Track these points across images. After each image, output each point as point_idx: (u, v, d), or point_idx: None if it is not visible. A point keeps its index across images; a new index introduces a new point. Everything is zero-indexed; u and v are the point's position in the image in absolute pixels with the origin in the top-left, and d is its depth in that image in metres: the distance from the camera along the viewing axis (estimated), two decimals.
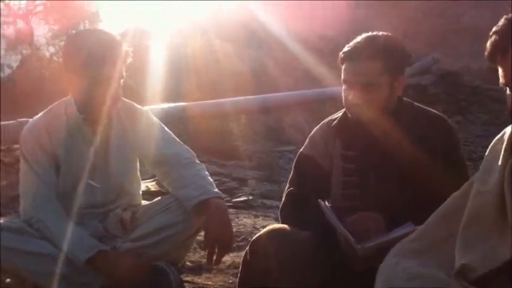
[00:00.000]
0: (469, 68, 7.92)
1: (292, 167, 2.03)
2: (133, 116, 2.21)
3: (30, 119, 2.21)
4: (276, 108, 7.15)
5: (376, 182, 1.82)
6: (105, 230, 2.14)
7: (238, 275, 1.90)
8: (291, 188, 1.96)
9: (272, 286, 1.74)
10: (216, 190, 2.13)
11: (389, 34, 1.86)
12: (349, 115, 1.88)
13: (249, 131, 6.25)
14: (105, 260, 1.98)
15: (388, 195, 1.78)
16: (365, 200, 1.81)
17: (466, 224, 1.35)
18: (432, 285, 1.27)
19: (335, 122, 1.95)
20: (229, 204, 3.67)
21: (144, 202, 2.34)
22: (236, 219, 3.27)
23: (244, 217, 3.35)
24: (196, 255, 2.60)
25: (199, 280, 2.37)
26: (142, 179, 3.69)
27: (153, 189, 3.59)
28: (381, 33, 1.85)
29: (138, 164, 2.29)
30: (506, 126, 1.39)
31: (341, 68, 1.84)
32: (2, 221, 2.10)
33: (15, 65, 8.44)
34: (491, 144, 1.40)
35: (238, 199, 3.82)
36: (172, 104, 6.17)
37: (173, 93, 6.81)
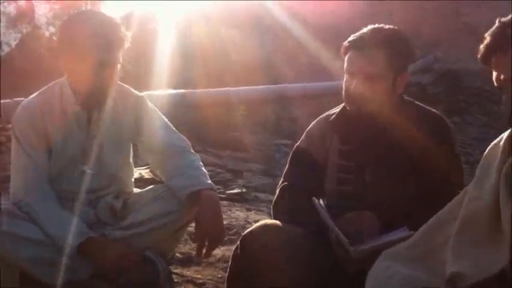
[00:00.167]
0: (470, 68, 7.89)
1: (288, 161, 2.00)
2: (129, 101, 2.18)
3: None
4: (278, 99, 7.12)
5: (371, 180, 1.81)
6: (95, 217, 2.12)
7: (228, 269, 1.88)
8: (285, 183, 1.94)
9: (261, 281, 1.72)
10: (209, 181, 2.10)
11: (396, 28, 1.84)
12: (348, 108, 1.86)
13: (249, 122, 6.22)
14: (94, 247, 1.96)
15: (384, 193, 1.76)
16: (360, 197, 1.79)
17: (459, 231, 1.34)
18: None
19: (333, 116, 1.93)
20: (223, 196, 3.65)
21: (136, 190, 2.32)
22: (229, 212, 3.26)
23: (237, 210, 3.33)
24: (186, 247, 2.58)
25: (188, 273, 2.36)
26: (137, 166, 3.68)
27: (146, 176, 3.57)
28: (387, 26, 1.83)
29: (131, 150, 2.26)
30: (505, 129, 1.38)
31: (344, 59, 1.83)
32: None
33: (14, 43, 8.39)
34: (487, 150, 1.39)
35: (231, 191, 3.80)
36: (172, 91, 6.12)
37: (178, 79, 6.76)
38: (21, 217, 1.98)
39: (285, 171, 2.00)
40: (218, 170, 4.39)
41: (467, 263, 1.28)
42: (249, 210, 3.38)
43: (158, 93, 5.69)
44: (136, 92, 2.24)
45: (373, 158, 1.81)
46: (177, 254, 2.49)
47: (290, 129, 6.14)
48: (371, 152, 1.82)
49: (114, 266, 1.97)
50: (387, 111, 1.81)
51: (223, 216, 3.01)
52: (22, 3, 9.15)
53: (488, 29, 1.28)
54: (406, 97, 1.91)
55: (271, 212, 1.97)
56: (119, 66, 2.02)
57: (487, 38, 1.22)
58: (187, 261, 2.46)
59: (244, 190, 3.83)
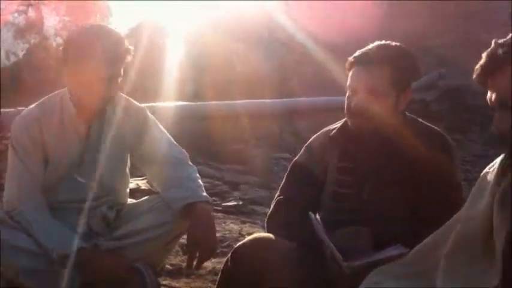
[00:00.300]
0: (474, 86, 7.85)
1: (286, 174, 1.99)
2: (129, 112, 2.18)
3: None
4: (283, 113, 7.12)
5: (369, 197, 1.79)
6: (88, 227, 2.11)
7: (217, 282, 1.87)
8: (281, 197, 1.93)
9: None
10: (205, 194, 2.10)
11: (402, 45, 1.83)
12: (349, 124, 1.84)
13: (252, 135, 6.24)
14: (83, 257, 1.95)
15: (381, 211, 1.74)
16: (356, 213, 1.78)
17: (452, 250, 1.34)
18: None
19: (334, 131, 1.91)
20: (218, 208, 3.65)
21: (132, 200, 2.32)
22: (223, 224, 3.26)
23: (232, 222, 3.33)
24: (177, 259, 2.58)
25: (177, 284, 2.36)
26: (134, 177, 3.70)
27: (143, 187, 3.58)
28: (393, 43, 1.83)
29: (128, 161, 2.27)
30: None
31: (348, 74, 1.82)
32: None
33: (21, 53, 8.48)
34: (483, 172, 1.39)
35: (227, 203, 3.80)
36: (178, 103, 6.15)
37: (185, 92, 6.80)
38: (12, 226, 1.98)
39: (281, 184, 1.98)
40: (216, 182, 4.40)
41: (459, 282, 1.28)
42: (243, 222, 3.38)
43: (164, 105, 5.73)
44: (137, 103, 2.25)
45: (372, 175, 1.80)
46: (167, 266, 2.49)
47: (292, 143, 6.15)
48: (370, 169, 1.80)
49: (103, 277, 1.96)
50: (389, 127, 1.79)
51: (217, 229, 3.03)
52: (31, 14, 9.27)
53: None
54: (408, 114, 1.89)
55: (265, 225, 1.95)
56: (120, 79, 2.04)
57: (483, 58, 1.23)
58: (177, 272, 2.46)
59: (240, 203, 3.83)
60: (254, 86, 7.37)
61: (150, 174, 2.31)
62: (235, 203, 3.82)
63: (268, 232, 1.87)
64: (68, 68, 2.01)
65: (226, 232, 3.10)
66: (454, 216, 1.41)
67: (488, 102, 1.28)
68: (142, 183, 3.65)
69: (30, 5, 9.08)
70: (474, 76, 1.25)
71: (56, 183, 2.10)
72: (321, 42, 8.16)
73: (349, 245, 1.65)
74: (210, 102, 6.45)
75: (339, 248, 1.60)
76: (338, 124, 1.93)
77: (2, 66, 7.63)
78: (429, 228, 1.50)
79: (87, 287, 1.99)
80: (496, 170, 1.32)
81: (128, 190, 2.32)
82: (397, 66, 1.75)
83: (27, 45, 8.58)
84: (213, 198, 3.79)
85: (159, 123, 2.26)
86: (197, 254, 1.97)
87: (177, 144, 2.26)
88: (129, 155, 2.24)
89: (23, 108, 2.76)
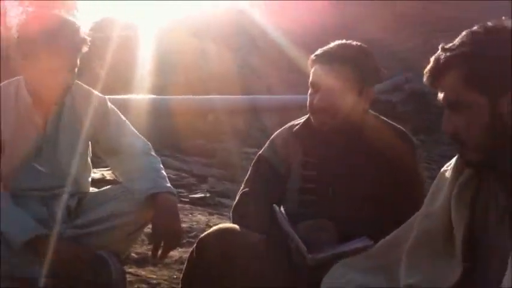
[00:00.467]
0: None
1: (250, 167, 1.99)
2: (89, 101, 2.15)
3: None
4: (250, 110, 7.13)
5: (333, 193, 1.80)
6: (49, 215, 2.06)
7: (183, 271, 1.85)
8: (246, 189, 1.92)
9: (216, 285, 1.69)
10: (168, 185, 2.07)
11: (362, 44, 1.85)
12: (312, 120, 1.85)
13: (219, 130, 6.22)
14: (44, 244, 1.90)
15: (345, 207, 1.75)
16: (320, 208, 1.78)
17: (413, 246, 1.36)
18: None
19: (297, 127, 1.92)
20: (186, 200, 3.62)
21: (93, 189, 2.27)
22: (190, 215, 3.23)
23: (199, 214, 3.31)
24: (143, 248, 2.54)
25: (142, 273, 2.32)
26: (99, 167, 3.63)
27: (108, 177, 3.52)
28: (354, 42, 1.85)
29: (90, 151, 2.23)
30: None
31: (310, 72, 1.83)
32: None
33: None
34: (441, 170, 1.42)
35: (195, 195, 3.78)
36: (146, 96, 6.09)
37: (153, 85, 6.74)
38: None
39: (246, 177, 1.98)
40: (183, 174, 4.37)
41: (422, 276, 1.29)
42: (211, 214, 3.37)
43: (132, 98, 5.65)
44: (97, 92, 2.21)
45: (336, 172, 1.81)
46: (133, 254, 2.45)
47: (260, 139, 6.14)
48: (334, 166, 1.82)
49: (65, 265, 1.92)
50: (351, 125, 1.81)
51: (185, 219, 3.00)
52: None
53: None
54: (371, 112, 1.91)
55: (230, 217, 1.95)
56: (76, 69, 2.01)
57: (431, 62, 1.28)
58: (142, 261, 2.43)
59: (208, 195, 3.82)
60: (223, 83, 7.35)
61: (112, 164, 2.28)
62: (202, 195, 3.81)
63: (234, 223, 1.86)
64: (25, 60, 1.96)
65: (194, 223, 3.07)
66: (417, 213, 1.43)
67: (442, 101, 1.32)
68: (107, 174, 3.58)
69: None
70: (424, 79, 1.30)
71: (15, 170, 2.04)
72: (290, 40, 8.21)
73: (314, 238, 1.65)
74: (178, 97, 6.42)
75: (303, 240, 1.60)
76: (301, 120, 1.94)
77: None
78: (393, 223, 1.51)
79: (52, 277, 1.94)
80: (452, 167, 1.36)
81: (89, 179, 2.28)
82: (358, 65, 1.77)
83: None
84: (181, 190, 3.76)
85: (120, 114, 2.22)
86: (162, 244, 1.94)
87: (139, 135, 2.23)
88: (90, 144, 2.20)
89: None
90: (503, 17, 1.25)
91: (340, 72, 1.76)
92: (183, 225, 2.72)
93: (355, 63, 1.77)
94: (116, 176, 2.31)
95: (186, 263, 1.83)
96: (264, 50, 8.89)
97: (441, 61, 1.24)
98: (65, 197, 2.09)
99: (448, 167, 1.39)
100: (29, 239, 1.87)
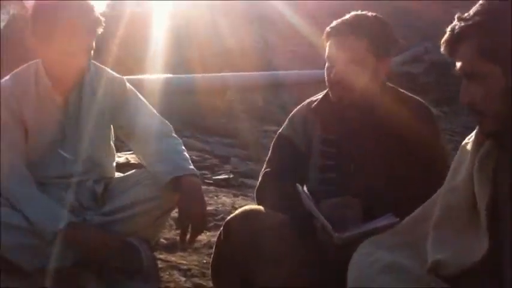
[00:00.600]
0: None
1: (271, 147, 1.98)
2: (107, 82, 2.13)
3: None
4: (269, 86, 7.08)
5: (355, 168, 1.79)
6: (76, 202, 2.07)
7: (212, 255, 1.87)
8: (268, 169, 1.92)
9: (244, 266, 1.71)
10: (191, 167, 2.05)
11: (378, 15, 1.82)
12: (330, 95, 1.84)
13: (239, 108, 6.20)
14: (75, 233, 1.91)
15: (368, 182, 1.74)
16: (342, 185, 1.78)
17: (439, 221, 1.35)
18: (403, 279, 1.27)
19: (315, 103, 1.90)
20: (209, 181, 3.63)
21: (119, 174, 2.27)
22: (215, 198, 3.24)
23: (224, 196, 3.32)
24: (171, 233, 2.56)
25: (173, 258, 2.34)
26: (123, 151, 3.64)
27: (132, 161, 3.53)
28: (370, 13, 1.82)
29: (112, 134, 2.22)
30: None
31: (326, 46, 1.81)
32: None
33: (2, 25, 8.27)
34: (462, 143, 1.41)
35: (218, 177, 3.78)
36: (163, 76, 6.06)
37: (170, 64, 6.69)
38: (1, 203, 1.93)
39: (267, 157, 1.98)
40: (206, 155, 4.37)
41: (449, 252, 1.29)
42: (235, 195, 3.38)
43: (148, 78, 5.63)
44: (115, 74, 2.19)
45: (356, 147, 1.80)
46: (162, 240, 2.47)
47: (279, 116, 6.11)
48: (354, 141, 1.80)
49: (96, 253, 1.94)
50: (369, 98, 1.79)
51: (210, 202, 3.02)
52: None
53: None
54: (388, 84, 1.89)
55: (255, 198, 1.95)
56: (92, 51, 1.99)
57: (447, 32, 1.28)
58: (172, 247, 2.44)
59: (231, 176, 3.82)
60: (239, 59, 7.29)
61: (134, 147, 2.25)
62: (226, 176, 3.81)
63: (258, 204, 1.86)
64: (39, 41, 1.95)
65: (219, 205, 3.08)
66: (441, 188, 1.42)
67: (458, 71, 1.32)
68: (131, 157, 3.60)
69: None
70: (442, 49, 1.30)
71: (40, 158, 2.05)
72: (304, 15, 8.09)
73: (338, 215, 1.65)
74: (196, 75, 6.38)
75: (328, 218, 1.60)
76: (319, 96, 1.92)
77: None
78: (417, 198, 1.49)
79: (79, 265, 1.97)
80: (473, 139, 1.35)
81: (114, 164, 2.28)
82: (374, 35, 1.75)
83: (7, 17, 8.37)
84: (204, 171, 3.77)
85: (139, 95, 2.20)
86: (189, 228, 1.94)
87: (160, 116, 2.21)
88: (111, 127, 2.19)
89: None
90: None
91: (356, 45, 1.74)
92: (209, 208, 2.73)
93: (371, 35, 1.75)
94: (138, 159, 2.30)
95: (214, 247, 1.84)
96: (280, 25, 8.78)
97: (456, 31, 1.24)
98: (90, 183, 2.10)
99: (469, 140, 1.38)
100: (60, 228, 1.88)
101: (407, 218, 1.48)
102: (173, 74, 6.27)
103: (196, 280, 2.24)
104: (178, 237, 2.02)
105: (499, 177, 1.26)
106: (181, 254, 2.40)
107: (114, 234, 2.01)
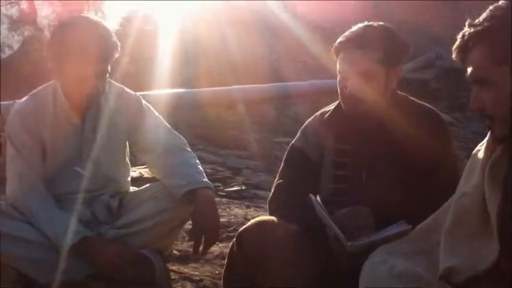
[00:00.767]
0: None
1: (283, 159, 2.00)
2: (123, 100, 2.18)
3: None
4: (280, 98, 7.11)
5: (367, 178, 1.80)
6: (92, 216, 2.12)
7: (224, 266, 1.88)
8: (281, 180, 1.93)
9: (257, 277, 1.72)
10: (205, 180, 2.09)
11: (386, 24, 1.84)
12: (343, 106, 1.85)
13: (250, 120, 6.22)
14: (90, 246, 1.96)
15: (380, 192, 1.74)
16: (355, 194, 1.78)
17: (451, 227, 1.36)
18: (413, 286, 1.27)
19: (328, 114, 1.92)
20: (222, 193, 3.65)
21: (133, 188, 2.31)
22: (228, 209, 3.26)
23: (236, 207, 3.34)
24: (184, 244, 2.58)
25: (185, 270, 2.36)
26: (137, 165, 3.69)
27: (146, 175, 3.57)
28: (376, 23, 1.83)
29: (127, 150, 2.26)
30: None
31: (336, 59, 1.82)
32: None
33: (16, 46, 8.41)
34: (474, 150, 1.41)
35: (231, 189, 3.80)
36: (173, 90, 6.12)
37: (179, 79, 6.75)
38: (15, 217, 1.99)
39: (280, 169, 1.99)
40: (218, 167, 4.39)
41: (460, 258, 1.29)
42: (248, 207, 3.39)
43: (159, 93, 5.69)
44: (130, 91, 2.24)
45: (368, 157, 1.80)
46: (175, 251, 2.49)
47: (291, 127, 6.12)
48: (366, 151, 1.81)
49: (110, 266, 1.96)
50: (381, 108, 1.80)
51: (223, 214, 3.04)
52: (24, 5, 9.18)
53: None
54: (400, 92, 1.89)
55: (267, 209, 1.96)
56: (108, 75, 2.04)
57: (458, 38, 1.29)
58: (184, 258, 2.46)
59: (243, 187, 3.83)
60: (248, 72, 7.33)
61: (149, 162, 2.30)
62: (238, 188, 3.82)
63: (271, 215, 1.87)
64: (55, 65, 2.00)
65: (232, 217, 3.10)
66: (453, 195, 1.42)
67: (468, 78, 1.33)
68: (144, 172, 3.64)
69: None
70: (453, 56, 1.31)
71: (57, 175, 2.10)
72: (313, 26, 8.12)
73: (351, 225, 1.65)
74: (206, 89, 6.43)
75: (341, 227, 1.61)
76: (332, 106, 1.93)
77: None
78: (429, 207, 1.50)
79: (92, 277, 2.00)
80: (485, 146, 1.35)
81: (129, 179, 2.32)
82: (383, 47, 1.76)
83: (21, 38, 8.52)
84: (217, 183, 3.79)
85: (154, 111, 2.24)
86: (202, 240, 1.97)
87: (174, 131, 2.25)
88: (127, 143, 2.23)
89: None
90: None
91: (366, 58, 1.75)
92: (222, 219, 2.74)
93: (381, 47, 1.75)
94: (153, 173, 2.35)
95: (227, 258, 1.85)
96: (288, 38, 8.82)
97: (466, 37, 1.25)
98: (106, 198, 2.14)
99: (481, 147, 1.38)
100: (76, 242, 1.92)
101: (420, 226, 1.48)
102: (185, 88, 6.33)
103: None
104: (191, 249, 2.04)
105: (510, 182, 1.26)
106: (193, 265, 2.41)
107: (128, 247, 2.04)
